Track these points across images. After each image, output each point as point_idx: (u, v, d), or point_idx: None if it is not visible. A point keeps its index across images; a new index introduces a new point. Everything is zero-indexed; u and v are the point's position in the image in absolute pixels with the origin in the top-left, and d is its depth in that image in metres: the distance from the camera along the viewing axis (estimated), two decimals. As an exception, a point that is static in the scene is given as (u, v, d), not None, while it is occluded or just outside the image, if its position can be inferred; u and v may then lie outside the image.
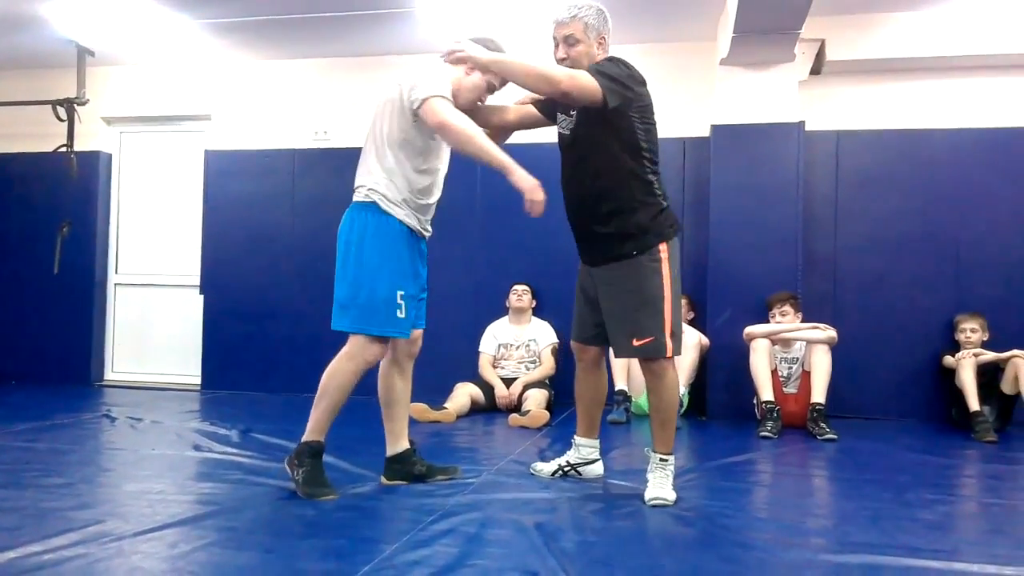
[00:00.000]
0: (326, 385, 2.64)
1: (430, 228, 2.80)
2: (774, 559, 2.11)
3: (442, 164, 2.79)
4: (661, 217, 2.64)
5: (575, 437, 3.02)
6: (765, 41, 4.36)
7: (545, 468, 3.01)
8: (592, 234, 2.68)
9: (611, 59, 2.64)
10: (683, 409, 4.47)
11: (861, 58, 4.72)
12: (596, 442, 3.01)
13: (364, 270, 2.61)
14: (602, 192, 2.62)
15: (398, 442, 2.85)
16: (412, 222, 2.67)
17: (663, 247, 2.61)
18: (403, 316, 2.61)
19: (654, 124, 2.68)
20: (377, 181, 2.66)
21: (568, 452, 3.03)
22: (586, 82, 2.49)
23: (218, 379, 5.61)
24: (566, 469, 2.97)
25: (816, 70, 4.78)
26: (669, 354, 2.59)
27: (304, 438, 2.66)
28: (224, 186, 5.68)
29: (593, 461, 2.99)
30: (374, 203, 2.64)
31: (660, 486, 2.61)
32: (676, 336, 2.62)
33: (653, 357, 2.60)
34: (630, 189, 2.60)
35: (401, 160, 2.64)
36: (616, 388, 4.50)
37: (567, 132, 2.73)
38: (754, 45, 4.41)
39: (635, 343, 2.58)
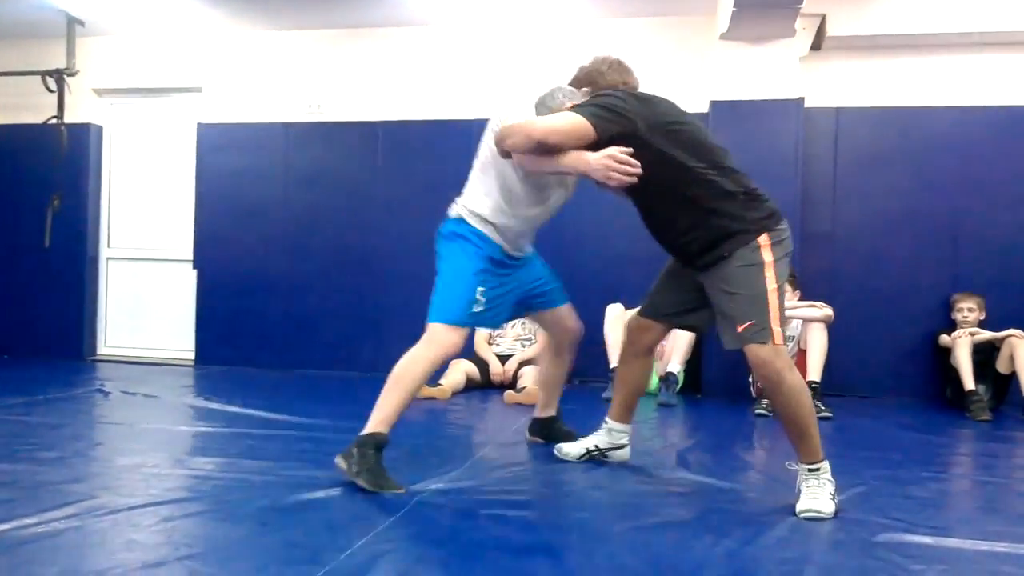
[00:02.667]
0: (401, 373, 2.57)
1: (522, 249, 2.82)
2: (768, 534, 2.12)
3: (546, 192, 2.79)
4: (746, 210, 2.44)
5: (608, 420, 2.89)
6: (765, 15, 4.31)
7: (572, 451, 2.90)
8: (683, 250, 2.57)
9: (610, 92, 2.51)
10: (679, 386, 4.47)
11: (862, 34, 4.67)
12: (629, 427, 2.90)
13: (447, 268, 2.71)
14: (668, 219, 2.53)
15: (544, 410, 3.18)
16: (496, 237, 2.70)
17: (763, 239, 2.43)
18: (480, 311, 2.66)
19: (690, 130, 2.48)
20: (468, 197, 2.76)
21: (597, 433, 2.91)
22: (562, 123, 2.37)
23: (211, 354, 5.59)
24: (594, 453, 2.88)
25: (816, 46, 4.73)
26: (777, 341, 2.37)
27: (368, 429, 2.51)
28: (217, 159, 5.62)
29: (623, 446, 2.89)
30: (460, 217, 2.73)
31: (814, 497, 2.31)
32: (783, 325, 2.43)
33: (760, 342, 2.36)
34: (694, 203, 2.45)
35: (490, 179, 2.71)
36: (611, 366, 4.49)
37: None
38: (754, 19, 4.35)
39: (739, 328, 2.39)
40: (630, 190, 2.51)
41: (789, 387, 2.35)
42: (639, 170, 2.33)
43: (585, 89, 2.71)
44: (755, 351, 2.38)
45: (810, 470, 2.36)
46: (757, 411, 4.03)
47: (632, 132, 2.38)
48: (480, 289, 2.64)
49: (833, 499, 2.31)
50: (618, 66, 2.74)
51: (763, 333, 2.36)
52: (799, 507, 2.28)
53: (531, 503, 2.35)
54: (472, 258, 2.67)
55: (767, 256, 2.42)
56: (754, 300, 2.39)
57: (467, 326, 2.66)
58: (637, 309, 2.86)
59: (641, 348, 2.77)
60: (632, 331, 2.79)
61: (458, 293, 2.63)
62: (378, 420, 2.52)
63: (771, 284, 2.40)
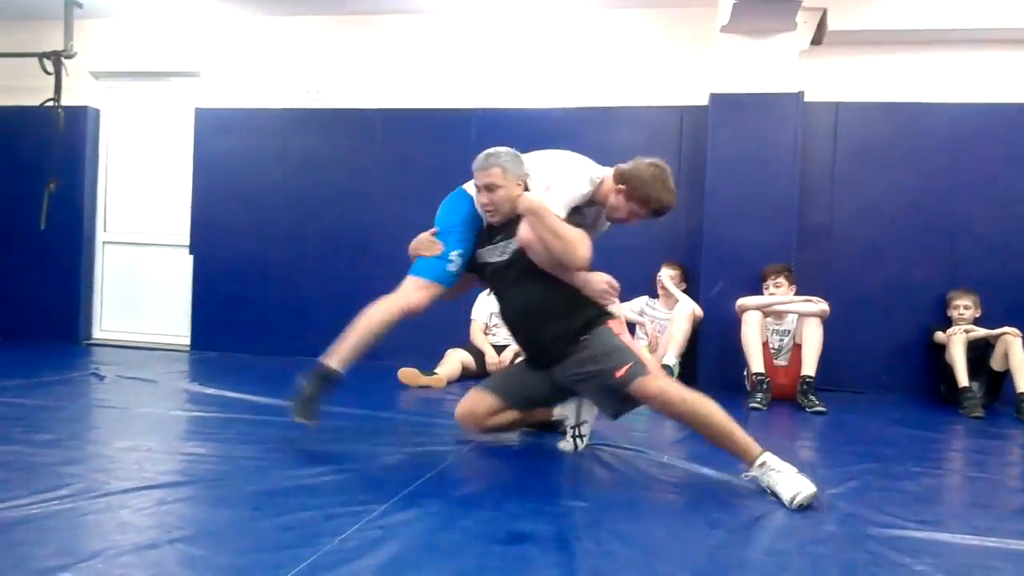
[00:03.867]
0: (365, 316, 2.77)
1: None
2: (760, 525, 2.13)
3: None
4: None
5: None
6: (767, 8, 4.30)
7: (567, 446, 2.93)
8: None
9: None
10: (674, 379, 4.47)
11: (863, 28, 4.66)
12: (560, 411, 3.02)
13: (437, 225, 2.89)
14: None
15: None
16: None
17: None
18: (454, 270, 2.81)
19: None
20: None
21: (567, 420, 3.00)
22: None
23: (207, 340, 5.58)
24: (575, 435, 2.93)
25: (817, 40, 4.72)
26: (652, 369, 2.58)
27: (324, 359, 2.72)
28: (214, 145, 5.60)
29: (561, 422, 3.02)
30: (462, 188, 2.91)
31: (788, 485, 2.31)
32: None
33: (643, 375, 2.54)
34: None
35: None
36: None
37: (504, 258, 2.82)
38: (755, 12, 4.34)
39: (618, 375, 2.56)
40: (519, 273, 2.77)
41: (690, 402, 2.50)
42: None
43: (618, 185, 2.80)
44: (643, 385, 2.54)
45: (760, 466, 2.41)
46: (751, 404, 4.04)
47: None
48: (456, 252, 2.79)
49: (801, 473, 2.36)
50: (663, 186, 2.80)
51: (640, 366, 2.57)
52: (786, 500, 2.29)
53: (523, 491, 2.35)
54: (458, 220, 2.83)
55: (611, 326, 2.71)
56: (616, 349, 2.62)
57: (438, 283, 2.80)
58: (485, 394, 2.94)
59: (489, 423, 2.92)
60: (488, 412, 2.89)
61: (439, 254, 2.80)
62: (333, 356, 2.75)
63: (616, 333, 2.69)
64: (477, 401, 2.90)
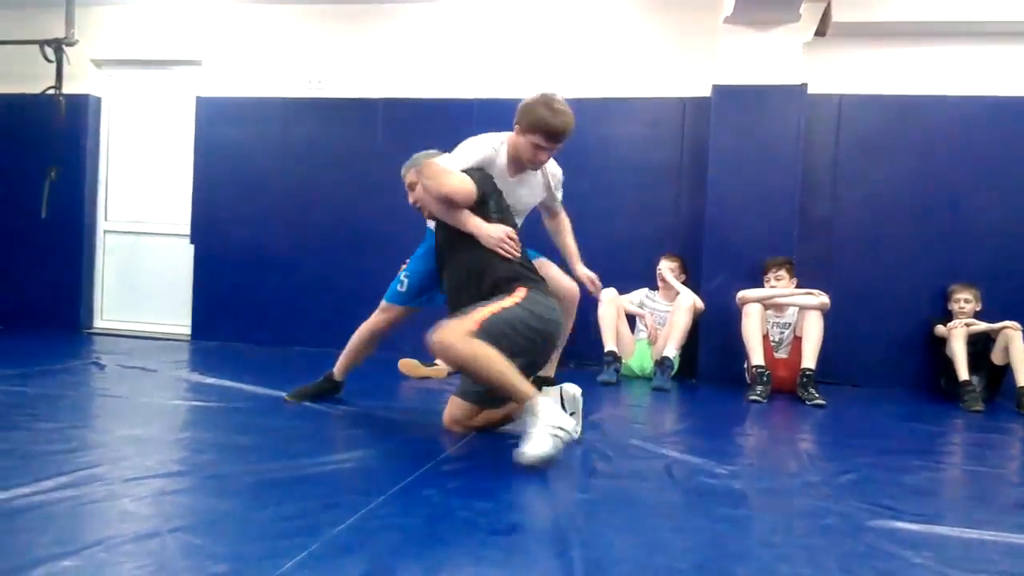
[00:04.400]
0: (356, 332, 3.40)
1: None
2: (759, 518, 2.14)
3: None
4: None
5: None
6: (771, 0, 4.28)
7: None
8: None
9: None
10: (674, 371, 4.49)
11: (867, 20, 4.64)
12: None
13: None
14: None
15: (546, 369, 3.30)
16: None
17: None
18: (403, 290, 3.32)
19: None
20: None
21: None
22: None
23: (208, 329, 5.59)
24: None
25: (821, 32, 4.70)
26: (445, 325, 2.59)
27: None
28: (215, 134, 5.59)
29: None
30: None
31: (534, 443, 2.35)
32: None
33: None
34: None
35: None
36: (605, 349, 4.51)
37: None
38: (759, 3, 4.33)
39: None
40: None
41: (467, 348, 2.47)
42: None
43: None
44: (433, 334, 2.55)
45: (527, 410, 2.42)
46: (751, 397, 4.04)
47: None
48: (406, 274, 3.31)
49: (557, 431, 2.35)
50: (547, 107, 2.90)
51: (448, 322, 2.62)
52: (518, 452, 2.34)
53: (522, 482, 2.36)
54: (421, 250, 3.32)
55: None
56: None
57: (392, 303, 3.33)
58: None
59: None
60: (462, 419, 2.95)
61: (397, 277, 3.35)
62: (336, 366, 3.44)
63: (518, 300, 2.70)
64: (455, 406, 2.96)
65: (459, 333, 2.49)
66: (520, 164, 3.00)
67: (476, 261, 2.78)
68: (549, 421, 2.37)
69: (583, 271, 3.39)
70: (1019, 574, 1.82)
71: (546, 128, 2.82)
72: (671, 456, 2.75)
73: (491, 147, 2.95)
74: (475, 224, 2.78)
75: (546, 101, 2.84)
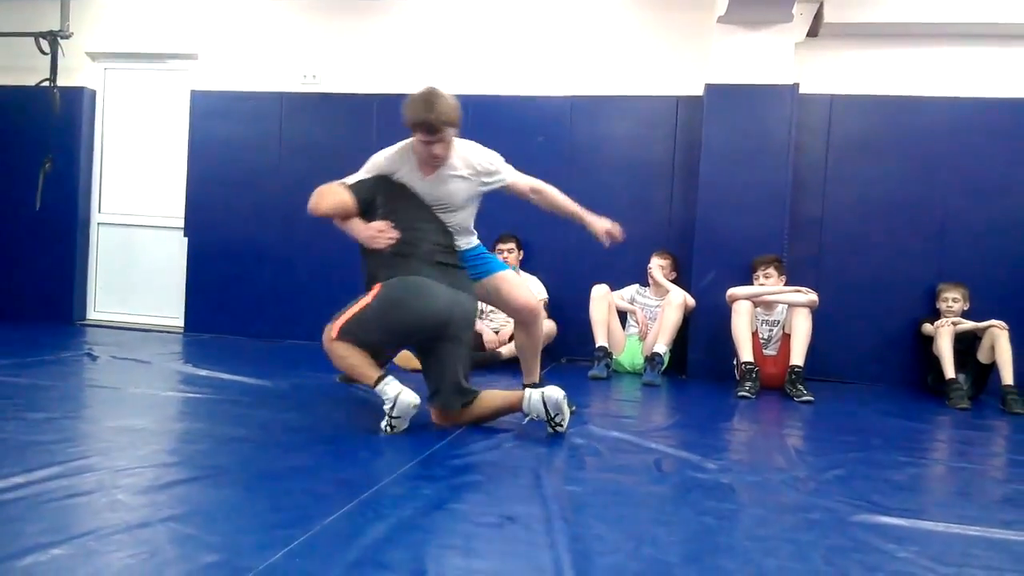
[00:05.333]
0: None
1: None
2: (746, 512, 2.16)
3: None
4: None
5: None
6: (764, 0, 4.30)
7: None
8: None
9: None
10: (664, 367, 4.51)
11: (859, 21, 4.66)
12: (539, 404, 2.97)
13: None
14: None
15: (527, 377, 3.36)
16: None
17: None
18: None
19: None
20: None
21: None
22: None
23: (201, 322, 5.59)
24: (553, 426, 2.92)
25: (813, 32, 4.72)
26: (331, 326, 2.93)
27: None
28: (210, 127, 5.58)
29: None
30: None
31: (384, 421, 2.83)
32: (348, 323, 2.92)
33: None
34: None
35: None
36: (596, 344, 4.53)
37: None
38: (753, 3, 4.34)
39: None
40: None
41: (333, 346, 2.89)
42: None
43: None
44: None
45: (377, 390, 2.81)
46: (740, 393, 4.07)
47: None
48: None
49: (391, 422, 2.78)
50: (412, 100, 2.98)
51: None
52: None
53: (513, 474, 2.38)
54: None
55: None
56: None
57: None
58: None
59: None
60: (448, 416, 3.05)
61: None
62: None
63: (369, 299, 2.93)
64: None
65: (325, 339, 2.92)
66: (428, 162, 3.00)
67: (363, 263, 3.06)
68: (386, 409, 2.79)
69: (598, 225, 3.22)
70: (1002, 568, 1.85)
71: (412, 122, 2.89)
72: (660, 451, 2.78)
73: (396, 155, 3.07)
74: (353, 229, 2.99)
75: (411, 97, 2.91)
